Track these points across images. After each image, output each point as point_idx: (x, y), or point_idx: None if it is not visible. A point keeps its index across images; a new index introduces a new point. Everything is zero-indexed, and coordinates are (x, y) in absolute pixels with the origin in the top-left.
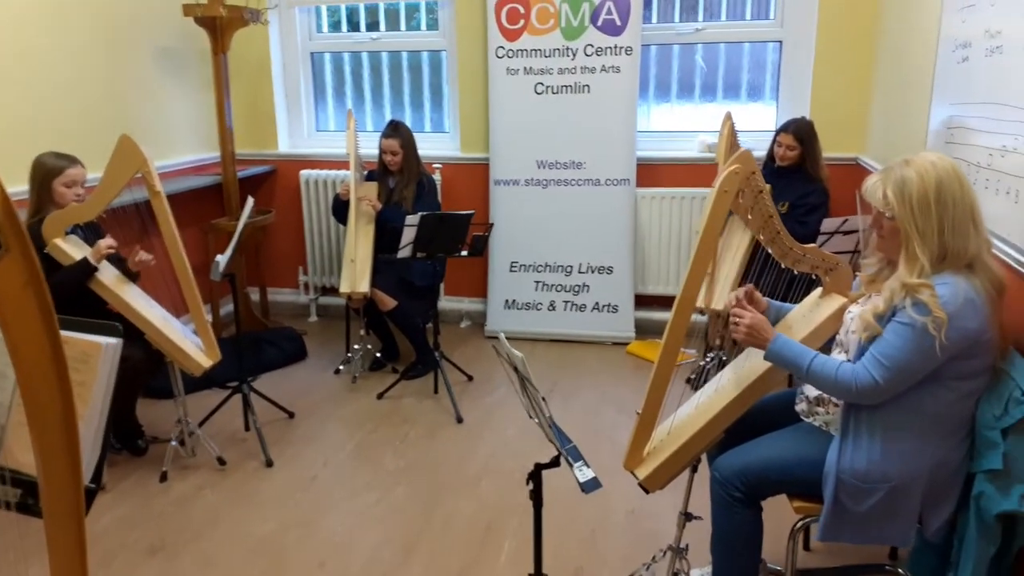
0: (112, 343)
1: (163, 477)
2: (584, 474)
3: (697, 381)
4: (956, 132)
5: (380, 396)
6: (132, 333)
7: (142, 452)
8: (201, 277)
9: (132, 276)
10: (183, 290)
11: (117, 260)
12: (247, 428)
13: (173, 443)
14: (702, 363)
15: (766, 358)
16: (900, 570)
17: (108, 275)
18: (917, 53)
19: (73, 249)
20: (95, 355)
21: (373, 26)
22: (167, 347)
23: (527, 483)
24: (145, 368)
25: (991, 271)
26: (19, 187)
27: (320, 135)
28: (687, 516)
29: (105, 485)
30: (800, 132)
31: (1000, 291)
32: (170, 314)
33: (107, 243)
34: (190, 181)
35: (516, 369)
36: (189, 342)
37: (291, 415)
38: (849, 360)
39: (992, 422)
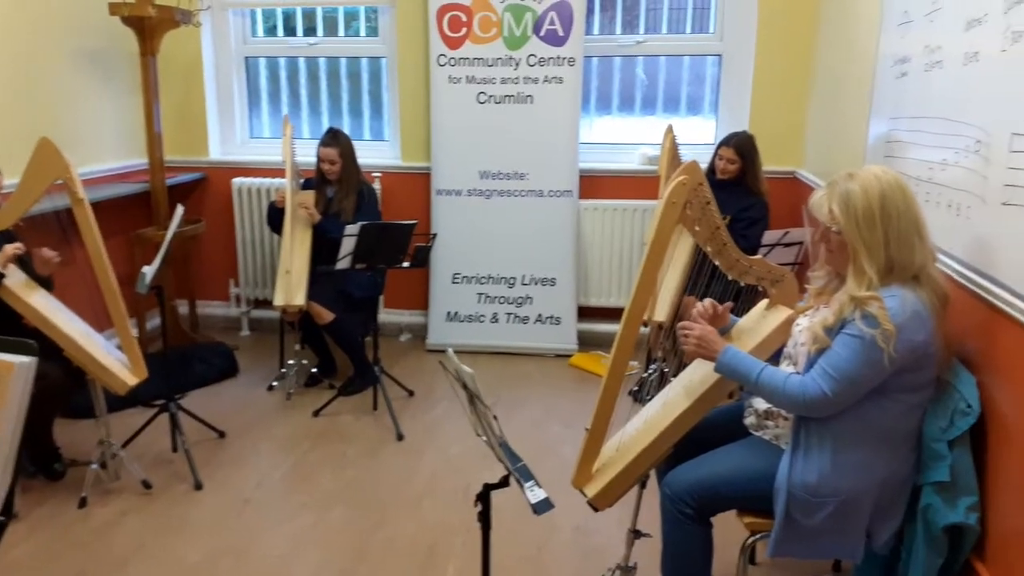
0: (26, 362)
1: (83, 503)
2: (535, 495)
3: (640, 393)
4: (895, 146)
5: (316, 413)
6: (50, 349)
7: (59, 476)
8: (126, 289)
9: (46, 283)
10: (107, 303)
11: (28, 271)
12: (175, 449)
13: (94, 466)
14: (644, 375)
15: (716, 370)
16: None
17: (21, 286)
18: (855, 68)
19: None
20: (7, 375)
21: (310, 31)
22: (88, 364)
23: (475, 504)
24: (64, 387)
25: (936, 283)
26: None
27: (254, 142)
28: (636, 533)
29: (18, 513)
30: (741, 146)
31: (944, 303)
32: (92, 329)
33: (14, 247)
34: (116, 188)
35: (465, 386)
36: (113, 358)
37: (222, 434)
38: (798, 372)
39: (938, 434)
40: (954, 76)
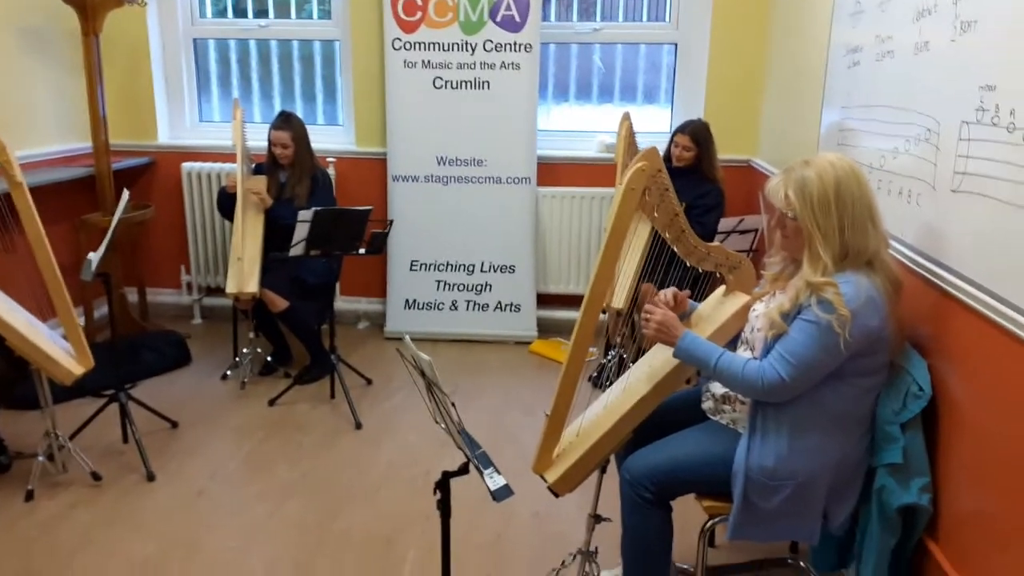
0: None
1: (29, 496)
2: (495, 481)
3: (599, 379)
4: (848, 135)
5: (272, 403)
6: None
7: (4, 469)
8: (72, 277)
9: None
10: (50, 291)
11: None
12: (125, 440)
13: (40, 458)
14: (603, 361)
15: (675, 355)
16: (801, 563)
17: None
18: (808, 58)
19: None
20: None
21: (261, 14)
22: (31, 353)
23: (434, 492)
24: (7, 377)
25: (889, 269)
26: None
27: (204, 126)
28: (596, 518)
29: None
30: (696, 133)
31: (897, 289)
32: (35, 318)
33: None
34: (58, 173)
35: (423, 373)
36: (57, 348)
37: (174, 425)
38: (755, 357)
39: (891, 417)
40: (905, 65)
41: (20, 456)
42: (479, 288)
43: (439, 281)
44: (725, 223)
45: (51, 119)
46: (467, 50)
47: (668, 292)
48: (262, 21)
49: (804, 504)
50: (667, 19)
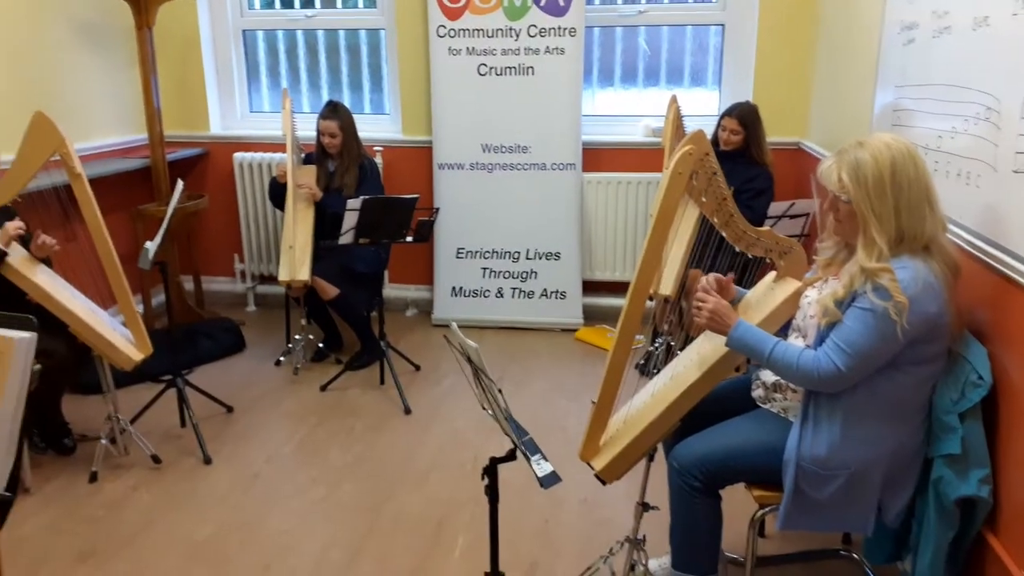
0: (25, 338)
1: (93, 478)
2: (542, 468)
3: (646, 367)
4: (902, 115)
5: (324, 388)
6: (55, 326)
7: (69, 451)
8: (130, 266)
9: (45, 260)
10: (110, 280)
11: (28, 245)
12: (183, 424)
13: (103, 441)
14: (650, 348)
15: (728, 344)
16: (855, 555)
17: (24, 263)
18: (861, 36)
19: None
20: (7, 351)
21: (308, 4)
22: (93, 340)
23: (482, 478)
24: (70, 363)
25: (947, 253)
26: None
27: (254, 116)
28: (644, 506)
29: (30, 488)
30: (744, 116)
31: (956, 274)
32: (96, 305)
33: (15, 225)
34: (115, 164)
35: (469, 360)
36: (118, 334)
37: (230, 409)
38: (808, 346)
39: (949, 406)
40: (963, 42)
41: (84, 439)
42: (525, 275)
43: (485, 268)
44: (775, 207)
45: (108, 112)
46: (511, 36)
47: (711, 277)
48: (309, 11)
49: (857, 495)
50: None
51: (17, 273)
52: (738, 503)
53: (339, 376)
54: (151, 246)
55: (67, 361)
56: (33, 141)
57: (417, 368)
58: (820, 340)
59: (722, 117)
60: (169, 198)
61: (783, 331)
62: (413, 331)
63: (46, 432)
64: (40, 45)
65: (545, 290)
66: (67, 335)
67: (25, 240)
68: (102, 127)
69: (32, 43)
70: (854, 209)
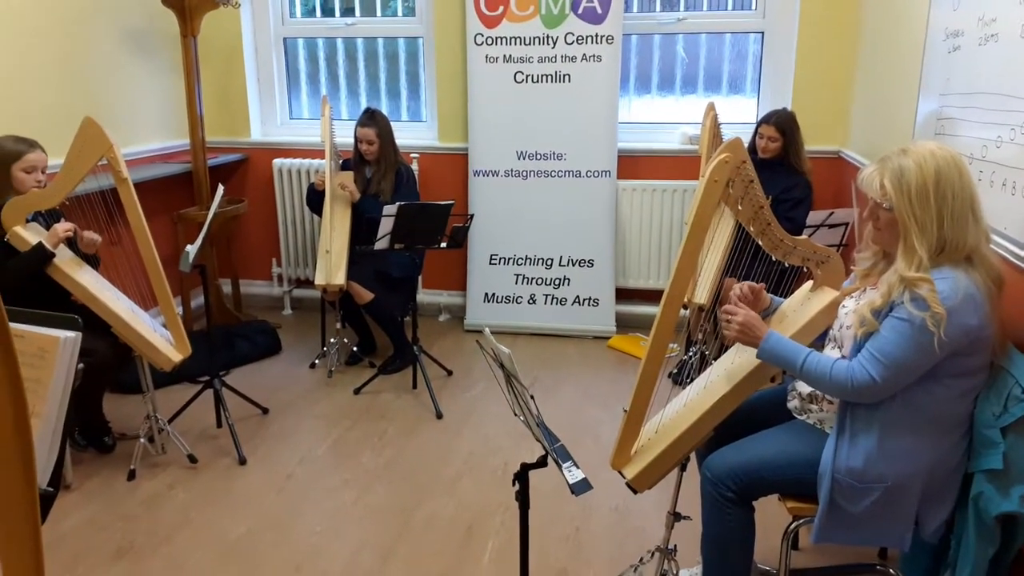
0: (70, 337)
1: (131, 475)
2: (573, 475)
3: (679, 376)
4: (946, 123)
5: (357, 391)
6: (98, 326)
7: (109, 450)
8: (170, 268)
9: (92, 261)
10: (152, 282)
11: (75, 246)
12: (219, 424)
13: (142, 440)
14: (684, 358)
15: (759, 356)
16: (891, 570)
17: (70, 264)
18: (903, 44)
19: (34, 237)
20: (52, 350)
21: (348, 12)
22: (135, 340)
23: (513, 483)
24: (111, 362)
25: (990, 265)
26: None
27: (293, 123)
28: (676, 516)
29: (70, 484)
30: (781, 123)
31: (999, 286)
32: (138, 307)
33: (64, 227)
34: (158, 169)
35: (502, 365)
36: (158, 336)
37: (265, 411)
38: (844, 356)
39: (991, 420)
40: (1010, 50)
41: (123, 438)
42: (558, 282)
43: (518, 275)
44: (814, 216)
45: (151, 118)
46: (548, 43)
47: (744, 286)
48: (349, 19)
49: (894, 509)
50: (753, 7)
51: (63, 274)
52: (772, 515)
53: (372, 380)
54: (191, 249)
55: (109, 360)
56: (82, 146)
57: (449, 373)
58: (857, 350)
59: (759, 124)
60: (209, 203)
61: (819, 341)
62: (445, 336)
63: (87, 430)
64: (89, 53)
65: (578, 297)
66: (109, 335)
67: (73, 242)
68: (146, 132)
69: (81, 51)
70: (895, 217)
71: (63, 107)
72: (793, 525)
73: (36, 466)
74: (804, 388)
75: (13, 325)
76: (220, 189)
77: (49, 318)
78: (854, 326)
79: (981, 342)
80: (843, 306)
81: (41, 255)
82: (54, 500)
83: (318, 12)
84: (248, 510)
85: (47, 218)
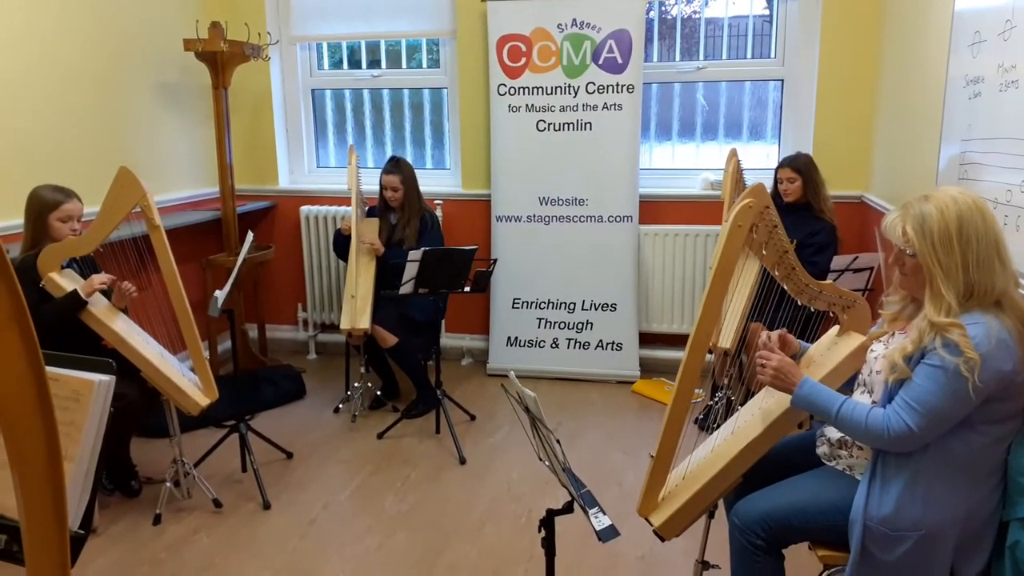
0: (104, 380)
1: (157, 520)
2: (600, 521)
3: (705, 422)
4: (969, 168)
5: (381, 436)
6: (127, 370)
7: (136, 493)
8: (199, 313)
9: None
10: (181, 326)
11: (107, 294)
12: (244, 469)
13: (168, 484)
14: (710, 403)
15: (793, 403)
16: None
17: (102, 309)
18: (923, 90)
19: (68, 283)
20: (86, 393)
21: (374, 64)
22: (163, 385)
23: (539, 530)
24: (140, 406)
25: (1020, 309)
26: (15, 220)
27: (321, 171)
28: (704, 564)
29: (96, 528)
30: (797, 164)
31: None
32: (167, 351)
33: (100, 279)
34: (188, 216)
35: (527, 409)
36: (186, 380)
37: (289, 455)
38: (874, 402)
39: None
40: None
41: (150, 481)
42: (580, 326)
43: (541, 319)
44: (839, 261)
45: (182, 166)
46: (570, 93)
47: (774, 335)
48: (375, 71)
49: (929, 558)
50: (772, 55)
51: (95, 319)
52: (802, 564)
53: (395, 424)
54: (220, 295)
55: (138, 404)
56: (117, 194)
57: (472, 418)
58: (889, 397)
59: (777, 170)
60: (238, 249)
61: (847, 386)
62: (469, 380)
63: (114, 473)
64: (125, 104)
65: (601, 341)
66: (139, 379)
67: (107, 291)
68: (177, 181)
69: (118, 102)
70: (920, 263)
71: (99, 156)
72: (824, 574)
73: (68, 509)
74: (833, 434)
75: (48, 368)
76: (249, 235)
77: (83, 361)
78: (884, 371)
79: (1015, 387)
80: (872, 350)
81: (75, 302)
82: (84, 542)
83: (345, 64)
84: (272, 555)
85: (81, 264)
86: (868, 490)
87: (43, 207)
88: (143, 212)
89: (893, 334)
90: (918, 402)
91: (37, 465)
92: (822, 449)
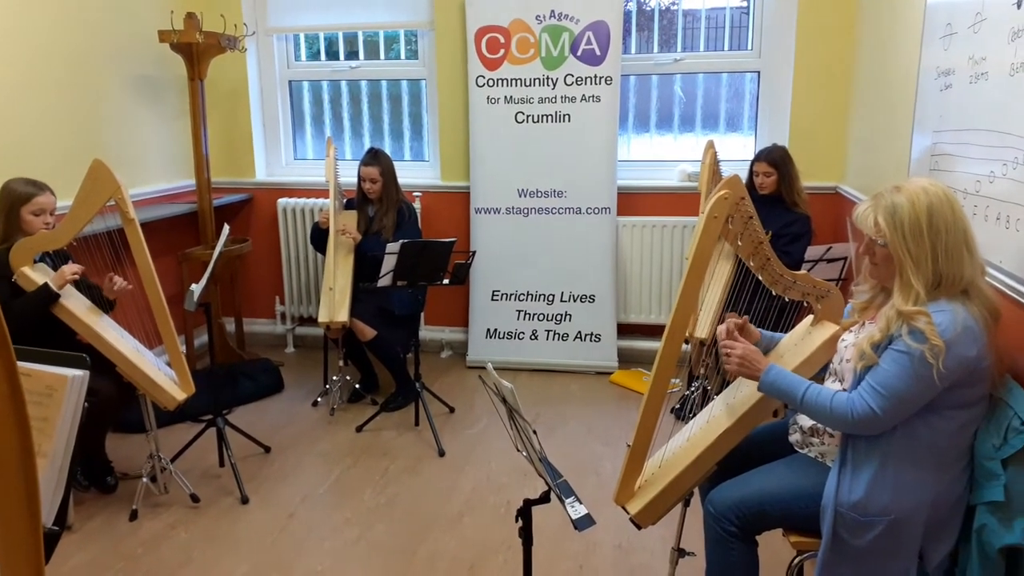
0: (78, 375)
1: (133, 516)
2: (576, 511)
3: (682, 411)
4: (940, 159)
5: (359, 429)
6: (102, 365)
7: (111, 489)
8: (175, 307)
9: (106, 305)
10: (157, 321)
11: (89, 288)
12: (222, 463)
13: (144, 480)
14: (687, 393)
15: (760, 389)
16: None
17: (76, 303)
18: (896, 82)
19: (41, 278)
20: (60, 388)
21: (352, 55)
22: (139, 379)
23: (516, 520)
24: (115, 402)
25: (986, 297)
26: None
27: (298, 163)
28: (680, 552)
29: (72, 525)
30: (773, 158)
31: (995, 318)
32: (143, 345)
33: (72, 269)
34: (164, 209)
35: (504, 400)
36: (162, 374)
37: (267, 449)
38: (845, 389)
39: (991, 452)
40: (1001, 87)
41: (126, 477)
42: (559, 318)
43: (520, 311)
44: (812, 251)
45: (158, 159)
46: (548, 84)
47: (728, 323)
48: (353, 62)
49: (898, 542)
50: (749, 47)
51: (69, 313)
52: (776, 550)
53: (374, 417)
54: (196, 288)
55: (113, 400)
56: (91, 187)
57: (451, 410)
58: (856, 383)
59: (752, 163)
60: (214, 242)
61: (820, 374)
62: (448, 373)
63: (89, 470)
64: (99, 96)
65: (579, 333)
66: (114, 374)
67: (80, 283)
68: (152, 173)
69: (92, 94)
70: (890, 252)
71: (72, 149)
72: (797, 560)
73: (41, 505)
74: (806, 422)
75: (21, 364)
76: (226, 229)
77: (57, 356)
78: (853, 360)
79: (980, 373)
80: (842, 340)
81: (47, 296)
82: (59, 539)
83: (323, 56)
84: (250, 550)
85: (54, 259)
86: (839, 477)
87: (15, 200)
88: (117, 205)
89: (863, 323)
90: (883, 386)
91: (9, 461)
92: (794, 437)
